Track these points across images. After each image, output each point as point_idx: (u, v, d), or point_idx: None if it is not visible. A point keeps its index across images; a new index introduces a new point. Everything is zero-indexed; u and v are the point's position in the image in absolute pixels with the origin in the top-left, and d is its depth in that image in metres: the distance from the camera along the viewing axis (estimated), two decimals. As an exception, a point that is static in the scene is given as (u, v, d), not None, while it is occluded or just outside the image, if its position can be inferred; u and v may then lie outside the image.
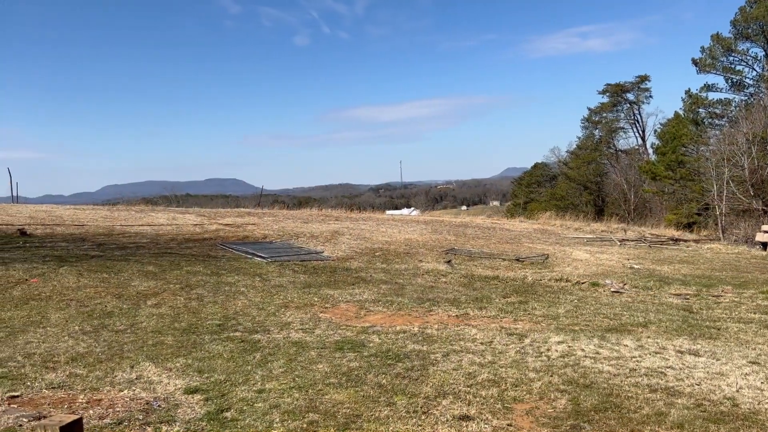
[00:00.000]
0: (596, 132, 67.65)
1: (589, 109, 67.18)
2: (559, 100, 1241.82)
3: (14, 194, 30.99)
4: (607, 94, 65.15)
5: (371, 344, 7.80)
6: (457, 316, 9.77)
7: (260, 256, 14.63)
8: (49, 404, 5.58)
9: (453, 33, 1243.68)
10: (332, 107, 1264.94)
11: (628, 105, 64.90)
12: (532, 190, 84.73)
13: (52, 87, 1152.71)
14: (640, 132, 64.57)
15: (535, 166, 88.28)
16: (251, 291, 11.10)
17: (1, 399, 5.70)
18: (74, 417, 2.85)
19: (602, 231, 26.39)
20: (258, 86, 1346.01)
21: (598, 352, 7.59)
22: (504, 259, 16.26)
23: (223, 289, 11.14)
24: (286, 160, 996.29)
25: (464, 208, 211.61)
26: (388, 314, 9.71)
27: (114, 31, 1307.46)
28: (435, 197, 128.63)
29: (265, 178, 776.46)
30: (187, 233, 18.06)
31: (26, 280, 10.99)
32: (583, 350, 7.67)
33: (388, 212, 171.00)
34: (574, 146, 71.04)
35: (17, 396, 5.78)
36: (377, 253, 16.01)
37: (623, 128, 66.13)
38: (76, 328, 8.32)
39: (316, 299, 10.65)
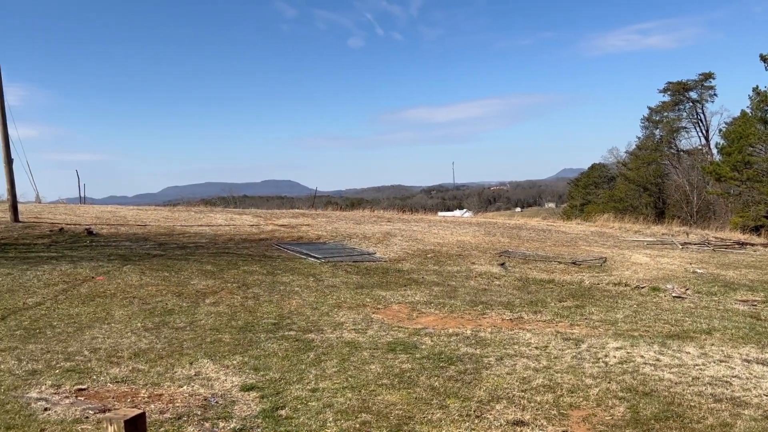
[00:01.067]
0: (657, 132, 65.33)
1: (650, 108, 64.37)
2: (617, 99, 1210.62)
3: (82, 195, 32.41)
4: (669, 92, 62.95)
5: (423, 346, 7.78)
6: (511, 319, 9.64)
7: (314, 257, 14.82)
8: (113, 398, 5.80)
9: (509, 31, 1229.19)
10: (386, 108, 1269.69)
11: (691, 104, 62.49)
12: (589, 192, 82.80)
13: (117, 90, 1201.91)
14: (704, 131, 62.12)
15: (593, 167, 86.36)
16: (305, 291, 11.26)
17: (70, 391, 5.96)
18: (137, 411, 2.95)
19: (663, 234, 25.51)
20: (313, 89, 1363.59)
21: (658, 359, 7.35)
22: (560, 262, 15.95)
23: (278, 288, 11.33)
24: (340, 162, 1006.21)
25: (518, 210, 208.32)
26: (440, 316, 9.67)
27: (172, 36, 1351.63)
28: (488, 199, 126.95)
29: (319, 180, 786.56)
30: (244, 233, 18.47)
31: (92, 277, 11.47)
32: (642, 357, 7.44)
33: (440, 213, 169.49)
34: (634, 146, 68.73)
35: (84, 389, 6.04)
36: (429, 255, 15.97)
37: (685, 128, 63.69)
38: (139, 324, 8.62)
39: (368, 300, 10.70)
